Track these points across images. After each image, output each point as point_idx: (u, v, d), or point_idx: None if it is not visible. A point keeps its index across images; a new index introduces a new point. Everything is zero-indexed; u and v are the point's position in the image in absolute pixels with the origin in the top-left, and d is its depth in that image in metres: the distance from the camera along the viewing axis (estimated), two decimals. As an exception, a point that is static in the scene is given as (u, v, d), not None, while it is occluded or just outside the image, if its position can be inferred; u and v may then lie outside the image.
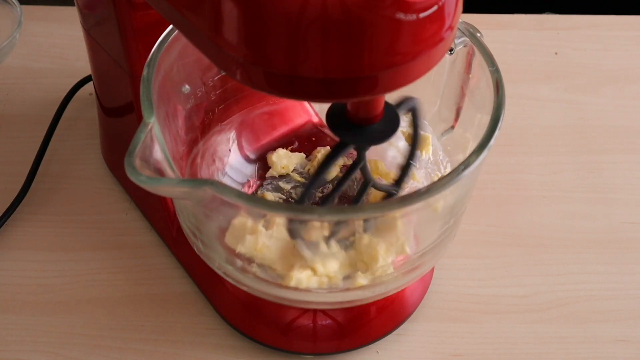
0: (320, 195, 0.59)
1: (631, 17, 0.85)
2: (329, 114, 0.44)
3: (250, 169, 0.60)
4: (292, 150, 0.61)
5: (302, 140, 0.63)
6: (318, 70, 0.35)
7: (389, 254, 0.48)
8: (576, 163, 0.69)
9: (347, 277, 0.48)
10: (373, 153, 0.60)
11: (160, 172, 0.42)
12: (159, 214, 0.61)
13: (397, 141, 0.59)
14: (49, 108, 0.71)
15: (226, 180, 0.59)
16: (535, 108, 0.75)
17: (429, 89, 0.55)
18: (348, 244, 0.49)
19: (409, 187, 0.58)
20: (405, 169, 0.49)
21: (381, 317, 0.56)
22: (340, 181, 0.48)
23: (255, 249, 0.47)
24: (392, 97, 0.42)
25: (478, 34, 0.49)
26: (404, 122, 0.58)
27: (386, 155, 0.60)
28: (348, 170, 0.47)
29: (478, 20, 0.62)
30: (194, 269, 0.59)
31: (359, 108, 0.42)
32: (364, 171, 0.48)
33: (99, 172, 0.68)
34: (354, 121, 0.43)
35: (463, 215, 0.50)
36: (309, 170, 0.61)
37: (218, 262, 0.49)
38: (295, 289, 0.48)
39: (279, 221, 0.47)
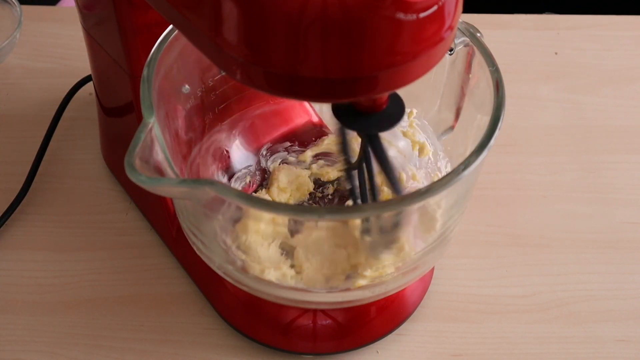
0: (320, 195, 0.59)
1: (631, 17, 0.85)
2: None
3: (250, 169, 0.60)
4: (291, 150, 0.62)
5: (302, 140, 0.63)
6: (318, 70, 0.35)
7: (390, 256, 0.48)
8: (576, 163, 0.69)
9: (347, 277, 0.48)
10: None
11: (160, 172, 0.42)
12: (159, 214, 0.61)
13: (397, 141, 0.59)
14: (49, 108, 0.71)
15: (226, 180, 0.59)
16: (535, 108, 0.75)
17: (429, 89, 0.55)
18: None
19: (408, 187, 0.58)
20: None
21: (381, 317, 0.56)
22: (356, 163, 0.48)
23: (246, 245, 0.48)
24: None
25: (478, 34, 0.49)
26: (405, 122, 0.58)
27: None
28: (365, 160, 0.46)
29: (478, 20, 0.62)
30: (194, 269, 0.59)
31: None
32: (381, 160, 0.46)
33: (99, 172, 0.68)
34: (359, 109, 0.42)
35: (463, 215, 0.50)
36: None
37: (218, 262, 0.49)
38: (295, 288, 0.48)
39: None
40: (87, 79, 0.72)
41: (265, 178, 0.61)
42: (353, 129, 0.43)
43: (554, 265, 0.61)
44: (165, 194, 0.43)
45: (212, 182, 0.40)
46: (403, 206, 0.43)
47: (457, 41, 0.50)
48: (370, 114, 0.42)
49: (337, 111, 0.43)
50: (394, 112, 0.43)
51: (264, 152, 0.62)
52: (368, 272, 0.48)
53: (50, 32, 0.82)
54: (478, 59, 0.49)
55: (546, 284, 0.60)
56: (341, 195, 0.60)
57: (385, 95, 0.42)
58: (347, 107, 0.43)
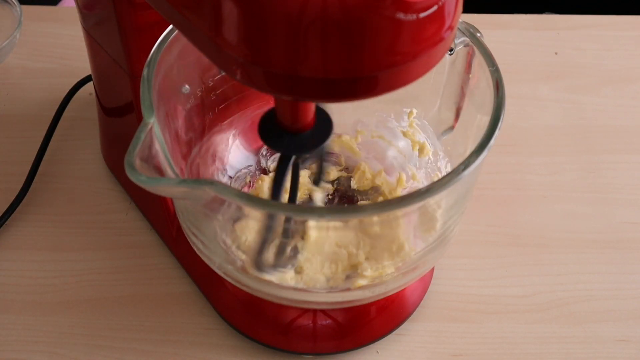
0: (330, 197, 0.59)
1: (631, 17, 0.85)
2: (260, 123, 0.43)
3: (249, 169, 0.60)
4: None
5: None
6: (318, 70, 0.35)
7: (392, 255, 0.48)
8: (576, 163, 0.69)
9: (347, 277, 0.49)
10: (372, 153, 0.60)
11: (160, 172, 0.42)
12: (159, 214, 0.61)
13: (397, 141, 0.59)
14: (49, 108, 0.71)
15: (226, 180, 0.59)
16: (535, 108, 0.75)
17: (429, 89, 0.55)
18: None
19: (408, 187, 0.58)
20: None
21: (381, 317, 0.56)
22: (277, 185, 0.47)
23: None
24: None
25: (478, 34, 0.49)
26: (405, 122, 0.58)
27: (386, 155, 0.60)
28: (282, 177, 0.45)
29: (478, 20, 0.62)
30: (194, 269, 0.59)
31: (287, 117, 0.42)
32: (294, 180, 0.47)
33: (99, 172, 0.68)
34: (285, 129, 0.43)
35: (463, 215, 0.50)
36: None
37: (218, 262, 0.49)
38: (295, 288, 0.48)
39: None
40: (87, 79, 0.72)
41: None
42: (278, 150, 0.43)
43: (554, 265, 0.61)
44: (165, 194, 0.43)
45: (212, 182, 0.40)
46: (403, 206, 0.43)
47: (457, 41, 0.50)
48: (296, 134, 0.43)
49: (262, 131, 0.43)
50: (322, 132, 0.43)
51: (264, 152, 0.62)
52: (368, 272, 0.48)
53: (50, 32, 0.82)
54: (478, 59, 0.49)
55: (546, 284, 0.60)
56: (341, 195, 0.60)
57: (310, 116, 0.42)
58: (273, 126, 0.43)
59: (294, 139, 0.43)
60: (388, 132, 0.60)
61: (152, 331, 0.57)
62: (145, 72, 0.46)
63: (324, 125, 0.44)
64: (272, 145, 0.43)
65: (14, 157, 0.69)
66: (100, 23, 0.56)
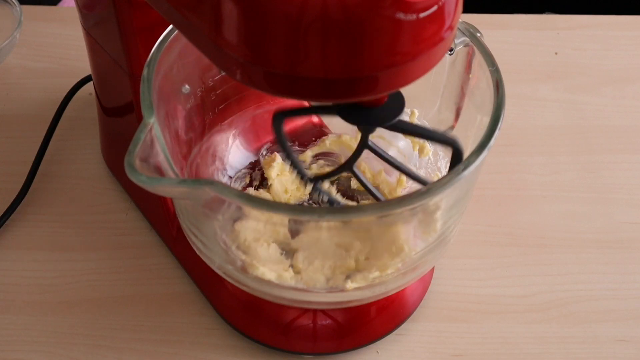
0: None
1: (631, 17, 0.85)
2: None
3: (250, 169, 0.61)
4: (292, 150, 0.62)
5: (302, 140, 0.63)
6: (318, 70, 0.35)
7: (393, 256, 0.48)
8: (576, 163, 0.69)
9: (347, 277, 0.49)
10: (373, 155, 0.60)
11: (160, 172, 0.42)
12: (159, 214, 0.61)
13: (397, 141, 0.59)
14: (49, 108, 0.71)
15: (226, 180, 0.59)
16: (535, 108, 0.75)
17: (429, 89, 0.55)
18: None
19: (408, 187, 0.58)
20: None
21: (381, 317, 0.56)
22: (347, 162, 0.50)
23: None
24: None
25: (478, 34, 0.49)
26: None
27: (386, 155, 0.60)
28: (355, 153, 0.49)
29: (478, 20, 0.62)
30: (194, 269, 0.59)
31: None
32: (355, 156, 0.49)
33: (99, 172, 0.68)
34: (360, 104, 0.42)
35: (463, 215, 0.50)
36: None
37: (218, 262, 0.49)
38: (295, 288, 0.48)
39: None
40: (87, 79, 0.72)
41: (265, 178, 0.61)
42: (355, 122, 0.43)
43: (554, 265, 0.61)
44: (165, 194, 0.43)
45: (212, 182, 0.40)
46: (403, 206, 0.43)
47: (457, 41, 0.50)
48: (370, 108, 0.43)
49: (337, 106, 0.43)
50: (395, 106, 0.43)
51: (264, 152, 0.62)
52: (368, 272, 0.48)
53: (50, 32, 0.82)
54: (478, 59, 0.49)
55: (546, 284, 0.60)
56: (341, 196, 0.60)
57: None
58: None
59: (370, 113, 0.43)
60: (388, 132, 0.59)
61: (152, 331, 0.57)
62: (145, 72, 0.46)
63: (396, 97, 0.43)
64: (349, 119, 0.43)
65: (14, 157, 0.69)
66: (100, 23, 0.56)
